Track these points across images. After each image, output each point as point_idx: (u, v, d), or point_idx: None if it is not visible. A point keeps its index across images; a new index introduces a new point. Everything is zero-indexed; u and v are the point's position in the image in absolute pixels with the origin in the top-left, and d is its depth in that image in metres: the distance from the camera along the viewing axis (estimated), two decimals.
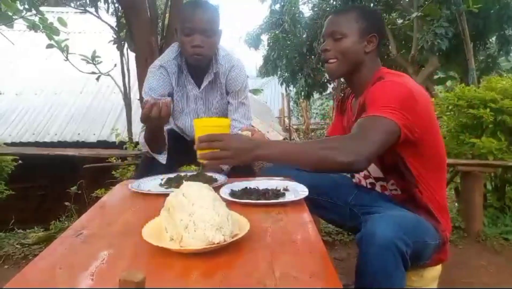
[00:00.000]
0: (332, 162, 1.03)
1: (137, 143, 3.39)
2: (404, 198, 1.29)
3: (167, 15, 3.27)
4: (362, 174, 1.40)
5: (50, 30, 2.65)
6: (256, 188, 1.23)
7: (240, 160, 1.06)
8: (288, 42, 8.03)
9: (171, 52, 1.70)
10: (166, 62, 1.68)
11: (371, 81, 1.28)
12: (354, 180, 1.47)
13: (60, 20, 2.72)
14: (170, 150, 1.75)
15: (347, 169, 1.04)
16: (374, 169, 1.34)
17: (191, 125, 1.79)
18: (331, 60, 1.31)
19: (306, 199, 1.17)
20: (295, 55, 7.95)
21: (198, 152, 1.08)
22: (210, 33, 1.55)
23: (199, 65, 1.66)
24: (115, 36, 3.40)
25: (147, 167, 1.63)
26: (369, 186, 1.41)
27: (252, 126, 1.83)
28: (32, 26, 2.61)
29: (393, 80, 1.19)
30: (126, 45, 3.37)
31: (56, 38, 2.80)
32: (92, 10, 3.45)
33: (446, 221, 1.26)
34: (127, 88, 3.62)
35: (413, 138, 1.14)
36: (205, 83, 1.71)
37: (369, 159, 1.05)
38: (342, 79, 9.08)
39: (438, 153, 1.26)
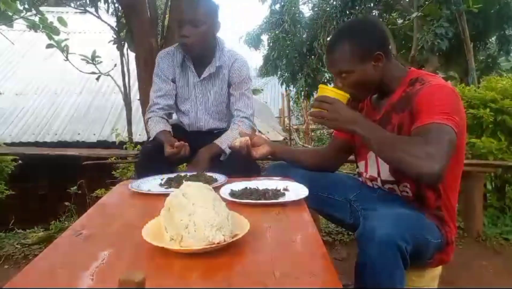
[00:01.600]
0: (410, 169, 1.04)
1: (137, 143, 3.40)
2: (413, 200, 1.27)
3: (167, 15, 3.27)
4: (369, 175, 1.39)
5: (50, 30, 2.65)
6: (256, 188, 1.24)
7: (338, 127, 1.23)
8: (288, 42, 8.03)
9: (177, 42, 1.79)
10: (172, 50, 1.80)
11: (402, 83, 1.26)
12: (361, 179, 1.46)
13: (61, 20, 2.72)
14: None
15: (431, 179, 1.02)
16: (385, 172, 1.31)
17: (192, 111, 1.86)
18: (352, 93, 1.26)
19: (308, 195, 1.17)
20: (295, 55, 7.95)
21: (312, 109, 1.24)
22: (197, 23, 1.59)
23: (195, 56, 1.73)
24: (115, 36, 3.40)
25: (146, 167, 1.63)
26: (375, 187, 1.40)
27: (251, 118, 1.85)
28: (32, 26, 2.61)
29: (437, 82, 1.17)
30: (126, 45, 3.36)
31: (56, 38, 2.80)
32: (92, 10, 3.45)
33: (454, 223, 1.25)
34: (127, 88, 3.62)
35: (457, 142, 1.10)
36: (206, 73, 1.76)
37: (444, 170, 1.02)
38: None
39: (462, 156, 1.24)
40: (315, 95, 9.89)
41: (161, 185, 1.34)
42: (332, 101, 1.18)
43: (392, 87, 1.29)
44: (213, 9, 1.68)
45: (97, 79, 3.43)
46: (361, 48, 1.23)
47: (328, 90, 1.23)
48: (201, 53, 1.71)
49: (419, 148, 1.03)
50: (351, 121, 1.16)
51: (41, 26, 2.61)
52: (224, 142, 1.71)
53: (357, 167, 1.48)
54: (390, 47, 1.32)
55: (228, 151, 1.70)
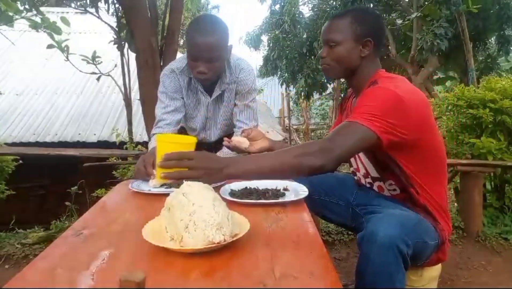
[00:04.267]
0: (305, 167, 1.03)
1: (138, 143, 3.40)
2: (403, 197, 1.29)
3: (167, 15, 3.27)
4: (362, 172, 1.41)
5: (53, 30, 2.65)
6: (256, 188, 1.24)
7: (210, 180, 0.97)
8: (288, 43, 8.03)
9: (182, 60, 1.69)
10: (177, 68, 1.70)
11: (366, 84, 1.29)
12: (356, 178, 1.48)
13: (64, 19, 2.72)
14: None
15: (318, 171, 1.03)
16: (372, 170, 1.35)
17: (202, 128, 1.83)
18: (326, 66, 1.34)
19: (307, 199, 1.17)
20: (295, 55, 7.95)
21: (161, 171, 0.96)
22: (214, 59, 1.52)
23: (208, 83, 1.68)
24: (115, 37, 3.40)
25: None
26: (367, 185, 1.42)
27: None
28: (34, 26, 2.61)
29: (384, 85, 1.18)
30: (126, 46, 3.37)
31: (57, 38, 2.80)
32: (93, 10, 3.45)
33: (446, 221, 1.26)
34: (128, 88, 3.62)
35: (403, 141, 1.13)
36: (217, 92, 1.71)
37: (337, 160, 1.05)
38: (342, 79, 9.10)
39: (437, 154, 1.26)
40: (315, 95, 9.77)
41: (161, 185, 1.34)
42: (192, 156, 0.97)
43: (363, 87, 1.30)
44: (227, 38, 1.58)
45: (98, 79, 3.43)
46: (360, 26, 1.27)
47: (173, 144, 1.05)
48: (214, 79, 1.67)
49: (310, 145, 1.07)
50: (220, 168, 0.98)
51: (43, 25, 2.61)
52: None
53: (350, 165, 1.49)
54: (382, 49, 1.34)
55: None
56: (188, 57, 1.56)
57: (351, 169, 1.49)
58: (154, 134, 1.69)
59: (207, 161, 0.98)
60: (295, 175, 1.18)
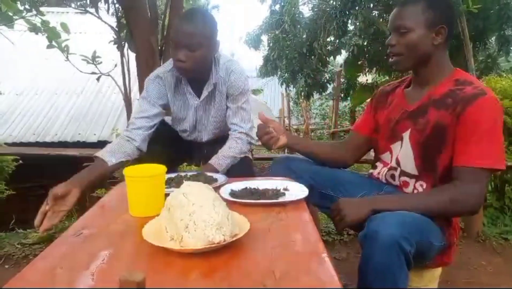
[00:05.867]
0: (454, 213, 1.15)
1: None
2: None
3: (167, 15, 3.27)
4: (388, 164, 1.37)
5: (52, 34, 2.65)
6: (256, 188, 1.24)
7: (357, 218, 1.14)
8: (288, 43, 8.02)
9: (169, 63, 1.68)
10: (162, 72, 1.68)
11: (446, 79, 1.25)
12: (371, 171, 1.44)
13: (63, 25, 2.72)
14: (170, 151, 1.75)
15: (467, 215, 1.16)
16: (408, 164, 1.30)
17: (192, 130, 1.82)
18: (396, 56, 1.27)
19: (312, 193, 1.17)
20: (295, 55, 7.94)
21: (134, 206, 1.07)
22: (194, 47, 1.49)
23: (191, 78, 1.65)
24: (115, 37, 3.40)
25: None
26: (385, 178, 1.37)
27: (249, 132, 1.77)
28: (33, 29, 2.61)
29: (490, 95, 1.16)
30: (126, 46, 3.37)
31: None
32: (93, 10, 3.45)
33: (458, 224, 1.26)
34: (127, 88, 3.61)
35: None
36: (205, 93, 1.69)
37: (480, 206, 1.17)
38: (342, 80, 9.07)
39: None
40: (315, 96, 9.73)
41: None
42: (340, 207, 1.17)
43: (435, 79, 1.26)
44: (212, 30, 1.57)
45: (98, 79, 3.43)
46: (433, 12, 1.21)
47: (141, 179, 1.06)
48: (197, 75, 1.64)
49: (452, 193, 1.14)
50: (367, 205, 1.15)
51: (42, 29, 2.61)
52: (221, 164, 1.63)
53: (376, 161, 1.45)
54: (452, 39, 1.28)
55: (223, 173, 1.60)
56: (171, 48, 1.55)
57: (371, 170, 1.45)
58: (123, 136, 1.63)
59: (348, 204, 1.17)
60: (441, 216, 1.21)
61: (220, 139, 1.78)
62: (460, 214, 1.16)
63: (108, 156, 1.49)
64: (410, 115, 1.29)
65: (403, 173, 1.32)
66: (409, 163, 1.29)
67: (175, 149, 1.85)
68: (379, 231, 0.96)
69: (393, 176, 1.35)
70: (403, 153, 1.30)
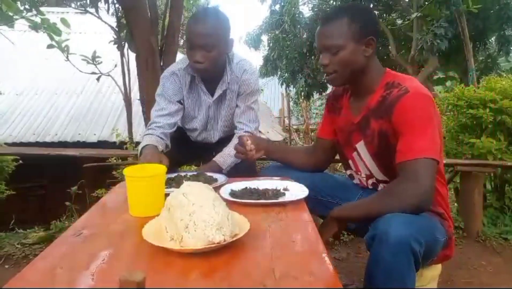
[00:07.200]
0: (402, 208, 1.07)
1: (138, 143, 3.39)
2: None
3: (167, 15, 3.27)
4: (363, 174, 1.38)
5: (52, 30, 2.65)
6: (256, 188, 1.24)
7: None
8: (288, 43, 8.02)
9: (184, 61, 1.69)
10: (178, 70, 1.70)
11: (379, 84, 1.26)
12: (355, 182, 1.46)
13: (63, 21, 2.72)
14: (172, 150, 1.75)
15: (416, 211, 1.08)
16: (376, 172, 1.33)
17: (202, 129, 1.82)
18: (331, 74, 1.28)
19: (308, 199, 1.17)
20: (295, 55, 7.94)
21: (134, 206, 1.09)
22: (210, 48, 1.51)
23: (207, 77, 1.66)
24: (115, 37, 3.41)
25: None
26: (370, 187, 1.40)
27: (255, 131, 1.79)
28: (34, 26, 2.61)
29: (416, 91, 1.16)
30: (126, 46, 3.37)
31: (56, 38, 2.80)
32: (93, 10, 3.45)
33: (449, 217, 1.26)
34: (128, 88, 3.62)
35: None
36: (218, 92, 1.70)
37: (432, 200, 1.11)
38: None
39: (441, 152, 1.25)
40: (315, 96, 9.74)
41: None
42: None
43: (371, 88, 1.28)
44: (226, 29, 1.58)
45: (98, 79, 3.43)
46: (359, 26, 1.22)
47: (142, 179, 1.07)
48: (212, 74, 1.65)
49: (398, 188, 1.11)
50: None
51: (43, 26, 2.61)
52: (225, 162, 1.66)
53: (346, 167, 1.47)
54: (380, 43, 1.33)
55: (226, 171, 1.64)
56: (186, 48, 1.57)
57: (348, 172, 1.47)
58: (146, 135, 1.66)
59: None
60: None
61: (228, 141, 1.79)
62: (410, 208, 1.07)
63: (155, 144, 1.55)
64: (357, 127, 1.32)
65: (378, 180, 1.35)
66: (377, 172, 1.33)
67: (184, 154, 1.86)
68: (389, 231, 0.95)
69: (374, 184, 1.38)
70: (368, 163, 1.33)
